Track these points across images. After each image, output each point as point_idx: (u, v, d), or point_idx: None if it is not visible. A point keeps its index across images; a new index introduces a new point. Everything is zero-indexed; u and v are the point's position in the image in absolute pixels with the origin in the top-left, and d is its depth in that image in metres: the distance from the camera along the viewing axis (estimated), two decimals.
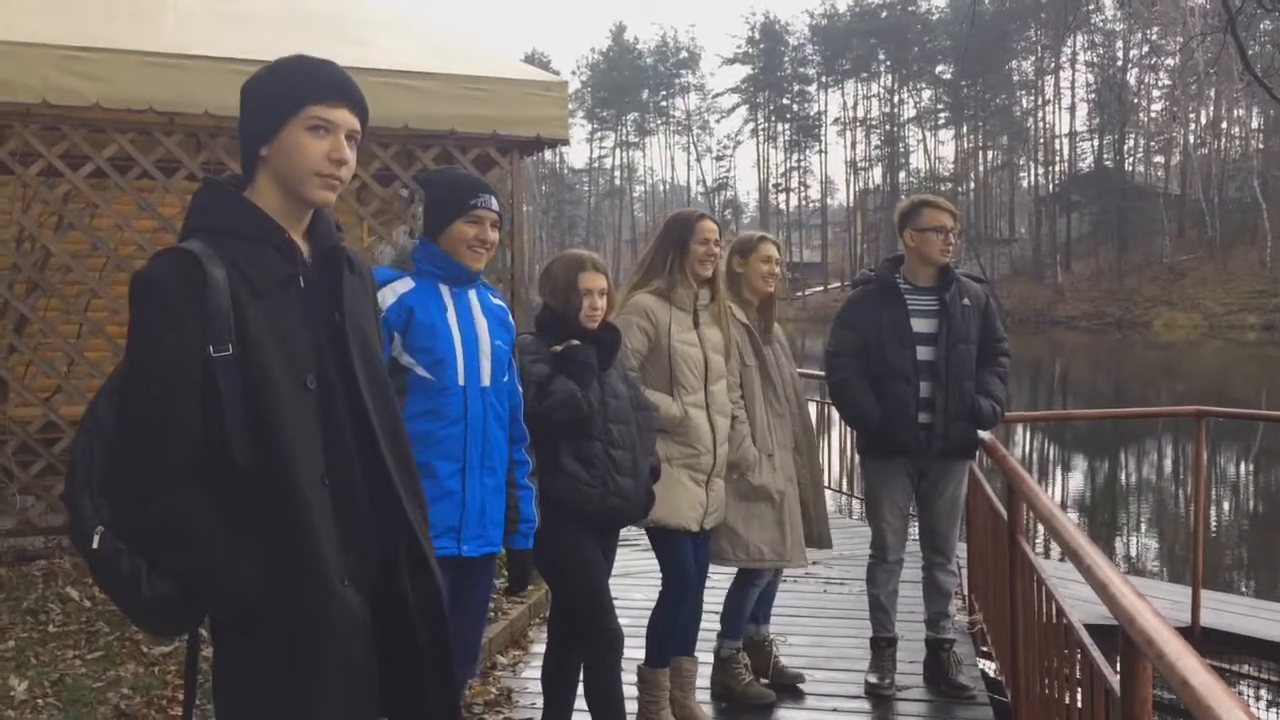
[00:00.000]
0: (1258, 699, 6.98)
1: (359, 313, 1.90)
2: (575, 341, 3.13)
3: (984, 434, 4.21)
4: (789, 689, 4.15)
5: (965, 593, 5.22)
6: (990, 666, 4.49)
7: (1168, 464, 18.23)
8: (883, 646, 4.22)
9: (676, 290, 3.62)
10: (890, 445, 4.10)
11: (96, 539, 1.65)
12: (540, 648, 4.51)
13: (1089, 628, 2.74)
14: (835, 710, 3.95)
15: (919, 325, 4.08)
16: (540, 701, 3.40)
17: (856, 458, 4.65)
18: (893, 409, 4.04)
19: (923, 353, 4.05)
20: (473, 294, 2.81)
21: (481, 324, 2.77)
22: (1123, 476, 18.11)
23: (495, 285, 6.38)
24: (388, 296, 2.62)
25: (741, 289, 4.01)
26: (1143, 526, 14.19)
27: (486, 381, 2.73)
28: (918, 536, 4.42)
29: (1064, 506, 15.60)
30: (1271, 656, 5.43)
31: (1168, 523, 13.59)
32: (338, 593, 1.72)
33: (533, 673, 4.26)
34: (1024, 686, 3.49)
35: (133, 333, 1.73)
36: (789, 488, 3.92)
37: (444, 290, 2.74)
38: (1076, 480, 18.00)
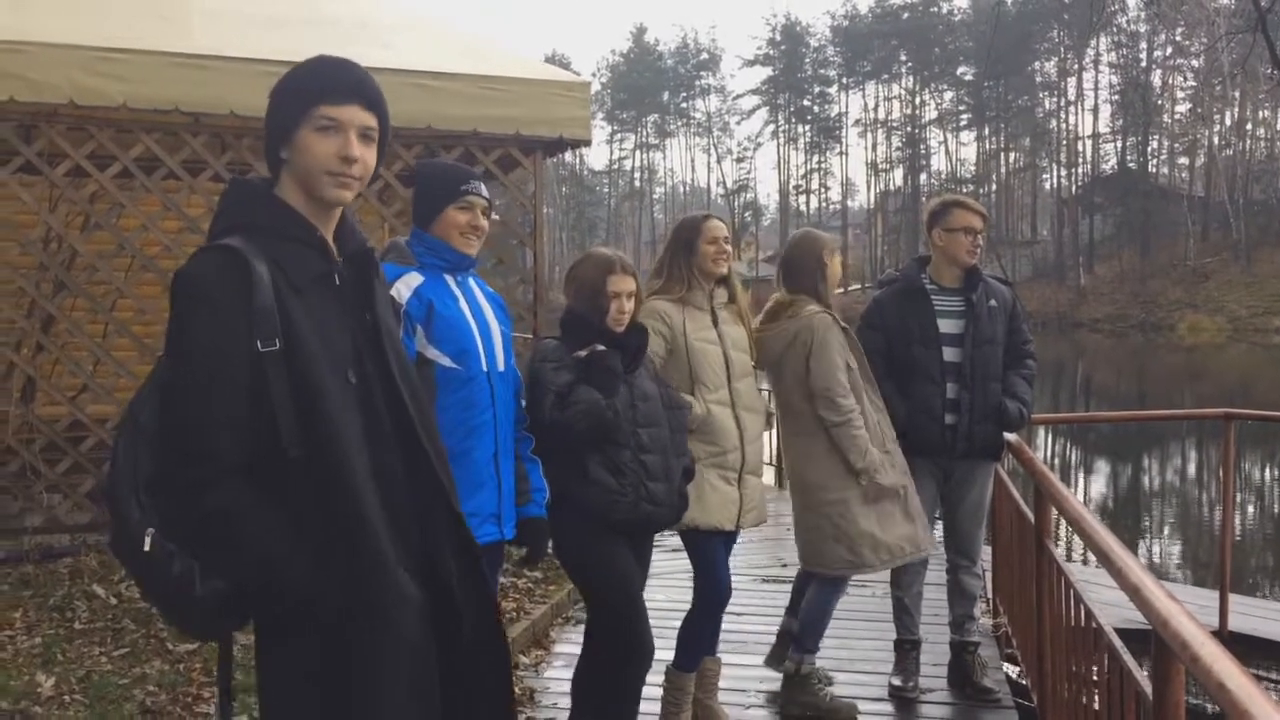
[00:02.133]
0: None
1: (386, 312, 1.93)
2: (600, 347, 3.06)
3: (1010, 436, 4.17)
4: None
5: (990, 595, 5.18)
6: (1014, 670, 4.45)
7: (1191, 467, 18.09)
8: (907, 649, 4.19)
9: (690, 292, 3.59)
10: (915, 446, 4.04)
11: (148, 541, 1.64)
12: (562, 648, 4.54)
13: (1116, 631, 2.71)
14: (859, 713, 3.91)
15: (945, 326, 4.04)
16: (562, 703, 3.38)
17: None
18: (918, 410, 4.01)
19: (949, 354, 4.02)
20: (472, 281, 2.85)
21: (488, 310, 2.82)
22: (1146, 480, 17.97)
23: (518, 286, 6.46)
24: (402, 291, 2.64)
25: (828, 290, 3.92)
26: (1167, 530, 14.10)
27: (501, 367, 2.78)
28: (942, 538, 4.39)
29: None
30: None
31: (1192, 527, 13.48)
32: (396, 578, 1.74)
33: (555, 672, 4.28)
34: (1050, 690, 3.46)
35: (176, 331, 1.73)
36: (907, 479, 3.86)
37: (450, 280, 2.77)
38: (1100, 483, 17.89)
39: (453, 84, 5.77)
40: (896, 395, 4.02)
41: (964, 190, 64.42)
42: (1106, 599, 4.00)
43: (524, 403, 2.93)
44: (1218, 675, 1.74)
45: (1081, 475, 18.39)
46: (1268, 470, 17.86)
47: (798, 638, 3.98)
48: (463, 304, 2.75)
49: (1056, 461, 19.09)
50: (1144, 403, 25.71)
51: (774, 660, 4.15)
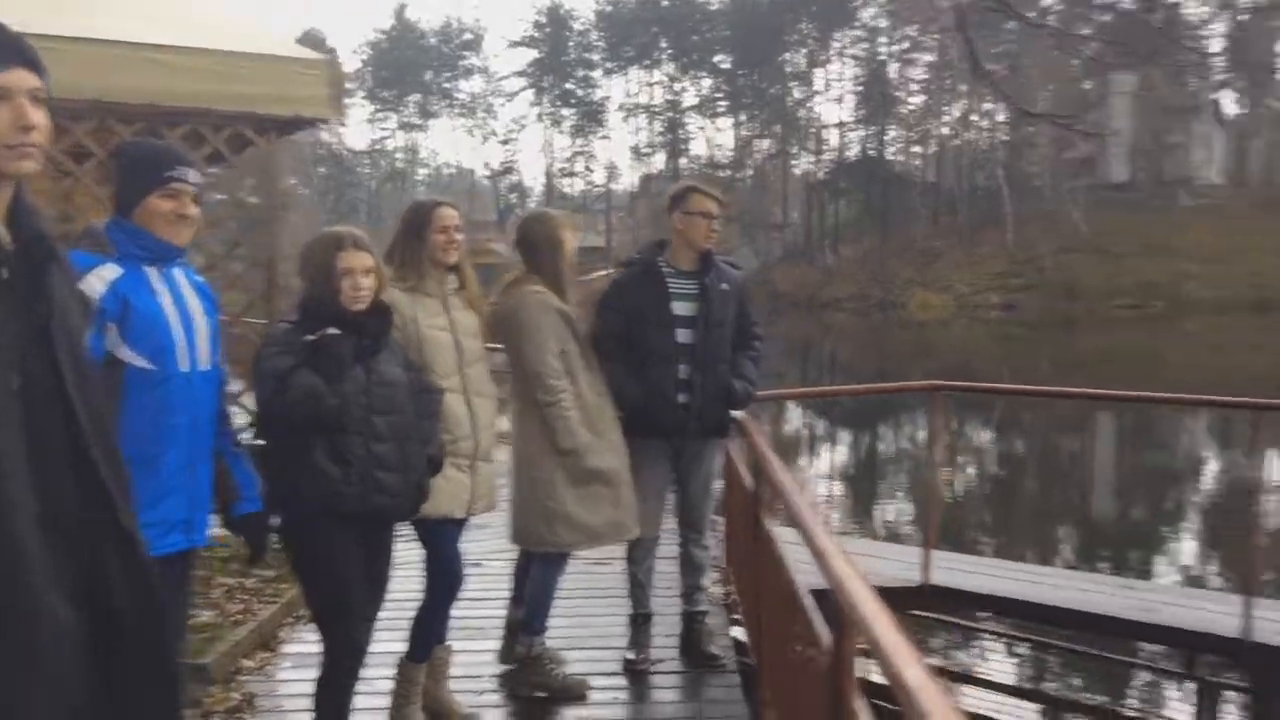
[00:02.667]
0: (994, 650, 7.65)
1: (65, 307, 1.78)
2: (332, 330, 2.92)
3: (738, 413, 4.37)
4: None
5: (725, 565, 5.43)
6: (744, 634, 4.69)
7: (922, 435, 19.62)
8: (640, 622, 4.32)
9: (421, 280, 3.56)
10: (649, 426, 4.16)
11: None
12: (292, 648, 4.39)
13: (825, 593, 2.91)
14: (591, 688, 4.00)
15: (679, 308, 4.16)
16: (287, 705, 3.28)
17: None
18: (653, 390, 4.11)
19: (682, 335, 4.14)
20: (179, 273, 2.65)
21: (194, 304, 2.64)
22: (882, 447, 19.34)
23: (252, 270, 6.17)
24: (96, 285, 2.42)
25: (560, 269, 3.93)
26: (899, 494, 15.20)
27: (205, 364, 2.62)
28: (675, 513, 4.54)
29: (830, 478, 16.61)
30: (999, 609, 5.95)
31: (920, 489, 14.62)
32: (40, 604, 1.61)
33: (284, 674, 4.13)
34: (767, 650, 3.67)
35: None
36: (622, 464, 3.91)
37: (151, 273, 2.57)
38: (843, 452, 19.12)
39: (178, 58, 5.39)
40: (630, 376, 4.11)
41: (721, 175, 66.88)
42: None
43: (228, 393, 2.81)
44: (875, 633, 1.90)
45: (828, 445, 19.62)
46: (984, 436, 19.64)
47: (526, 621, 4.01)
48: (165, 298, 2.56)
49: (806, 433, 20.27)
50: (881, 376, 27.58)
51: (506, 653, 4.17)
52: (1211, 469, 16.44)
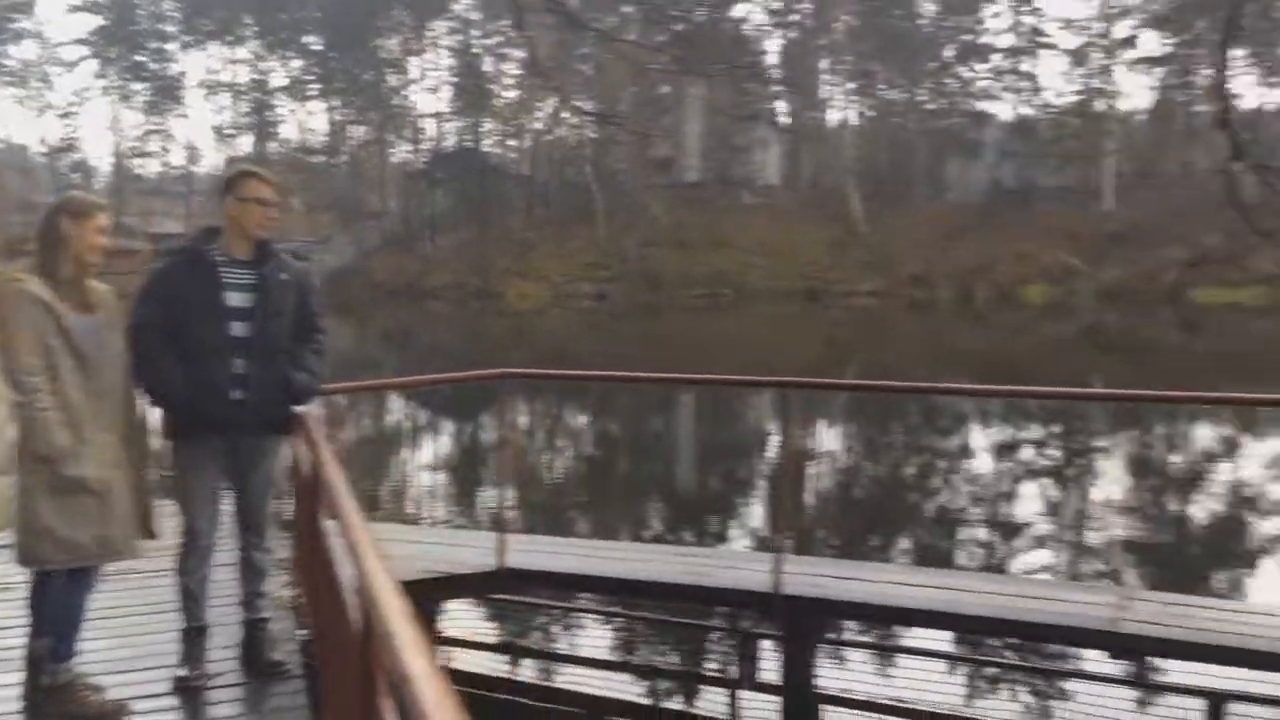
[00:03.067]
0: (587, 627, 8.04)
1: None
2: None
3: (300, 408, 4.24)
4: None
5: (293, 565, 5.25)
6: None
7: (522, 420, 20.21)
8: (193, 636, 4.07)
9: None
10: (202, 424, 3.97)
11: None
12: None
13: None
14: (132, 712, 3.70)
15: (233, 299, 3.98)
16: None
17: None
18: (204, 387, 3.91)
19: (236, 328, 3.97)
20: None
21: None
22: (485, 435, 19.66)
23: None
24: None
25: (61, 259, 3.60)
26: (487, 480, 15.56)
27: None
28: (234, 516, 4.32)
29: (435, 467, 16.61)
30: (574, 586, 6.28)
31: (518, 475, 15.03)
32: None
33: None
34: (326, 650, 3.60)
35: None
36: (114, 475, 3.61)
37: None
38: (446, 442, 19.23)
39: None
40: (177, 372, 3.88)
41: (314, 160, 64.49)
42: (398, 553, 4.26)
43: None
44: (389, 625, 1.94)
45: (432, 435, 19.67)
46: (580, 418, 20.62)
47: (52, 646, 3.65)
48: None
49: (408, 424, 20.17)
50: (482, 364, 28.04)
51: (30, 687, 3.73)
52: (775, 441, 18.39)
